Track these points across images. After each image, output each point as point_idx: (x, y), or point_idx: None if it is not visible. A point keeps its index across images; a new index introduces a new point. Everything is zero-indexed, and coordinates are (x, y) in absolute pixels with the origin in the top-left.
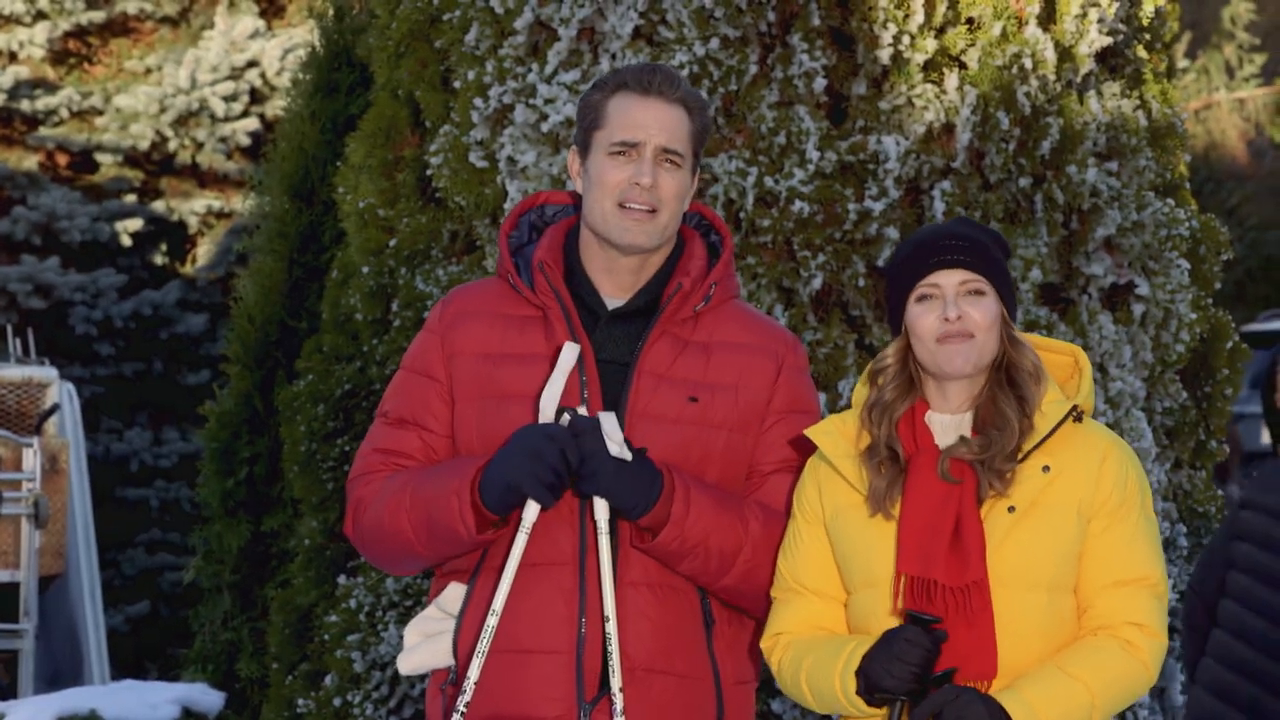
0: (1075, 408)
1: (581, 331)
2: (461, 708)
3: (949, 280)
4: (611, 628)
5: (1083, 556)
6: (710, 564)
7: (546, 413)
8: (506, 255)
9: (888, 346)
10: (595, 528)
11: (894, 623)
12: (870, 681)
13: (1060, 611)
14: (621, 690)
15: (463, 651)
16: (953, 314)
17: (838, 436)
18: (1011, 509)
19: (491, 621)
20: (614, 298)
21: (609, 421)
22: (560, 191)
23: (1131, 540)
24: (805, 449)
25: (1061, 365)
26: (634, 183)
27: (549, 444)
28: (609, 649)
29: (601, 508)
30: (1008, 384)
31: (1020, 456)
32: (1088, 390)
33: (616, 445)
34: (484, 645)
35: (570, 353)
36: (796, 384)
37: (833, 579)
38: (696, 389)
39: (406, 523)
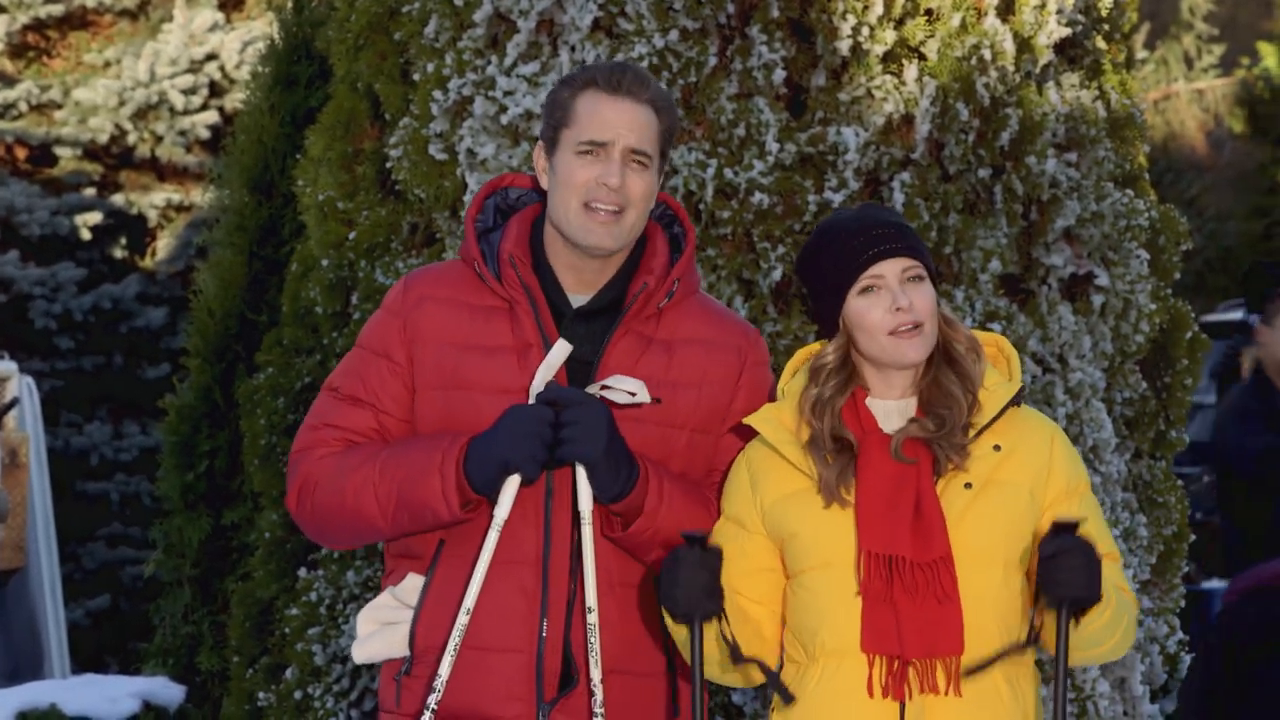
0: (1022, 389)
1: (552, 329)
2: (433, 705)
3: (891, 269)
4: (594, 619)
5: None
6: None
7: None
8: (473, 241)
9: (826, 344)
10: (559, 527)
11: (856, 601)
12: (668, 607)
13: (1012, 588)
14: (602, 681)
15: (423, 645)
16: (904, 302)
17: (776, 424)
18: (969, 485)
19: (464, 620)
20: (578, 294)
21: (621, 381)
22: (523, 175)
23: (1095, 517)
24: None
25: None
26: (601, 183)
27: (537, 423)
28: (590, 640)
29: (585, 496)
30: (947, 363)
31: (972, 434)
32: (1018, 375)
33: (625, 393)
34: (455, 642)
35: (560, 351)
36: (759, 382)
37: (745, 582)
38: (659, 388)
39: (373, 500)
